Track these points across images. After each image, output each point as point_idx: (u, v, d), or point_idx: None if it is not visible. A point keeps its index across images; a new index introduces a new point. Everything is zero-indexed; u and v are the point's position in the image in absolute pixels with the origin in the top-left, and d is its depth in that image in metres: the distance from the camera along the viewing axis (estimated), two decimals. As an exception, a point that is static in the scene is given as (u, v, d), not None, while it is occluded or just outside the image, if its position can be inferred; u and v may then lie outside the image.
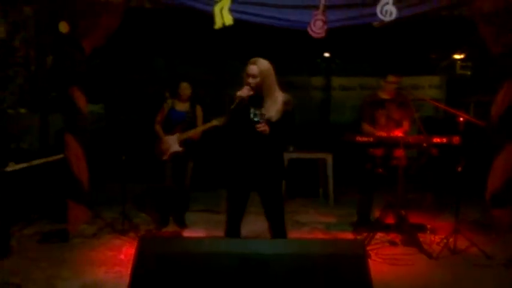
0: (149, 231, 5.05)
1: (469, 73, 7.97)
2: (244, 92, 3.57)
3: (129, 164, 5.03)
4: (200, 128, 5.08)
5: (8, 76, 5.99)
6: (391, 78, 4.93)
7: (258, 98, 3.64)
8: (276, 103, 3.65)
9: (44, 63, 6.33)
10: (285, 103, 3.67)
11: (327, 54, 8.48)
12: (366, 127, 5.00)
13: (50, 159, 5.04)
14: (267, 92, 3.64)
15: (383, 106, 4.99)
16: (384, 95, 5.02)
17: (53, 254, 4.33)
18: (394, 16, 4.44)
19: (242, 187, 3.75)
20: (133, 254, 2.84)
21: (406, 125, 4.96)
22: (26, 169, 4.60)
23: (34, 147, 5.81)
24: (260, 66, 3.60)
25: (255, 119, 3.56)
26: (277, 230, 3.82)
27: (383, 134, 4.81)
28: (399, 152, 4.63)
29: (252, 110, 3.61)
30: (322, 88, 8.82)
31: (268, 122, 3.59)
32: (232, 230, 3.79)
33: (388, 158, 4.79)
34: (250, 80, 3.59)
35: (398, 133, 4.80)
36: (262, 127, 3.52)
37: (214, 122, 4.94)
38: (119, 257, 4.32)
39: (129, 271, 2.66)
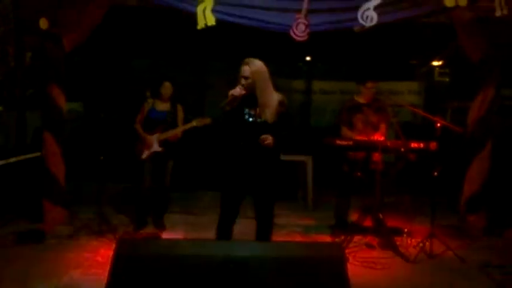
0: (127, 232, 4.99)
1: (447, 80, 8.13)
2: (236, 91, 3.59)
3: (107, 164, 4.97)
4: (180, 129, 5.06)
5: (-15, 72, 5.87)
6: (370, 84, 5.01)
7: (253, 98, 3.65)
8: (270, 104, 3.66)
9: (22, 59, 6.21)
10: (280, 104, 3.70)
11: (308, 58, 8.53)
12: (345, 131, 5.05)
13: (27, 156, 4.94)
14: (260, 92, 3.65)
15: (360, 111, 5.06)
16: (362, 100, 5.09)
17: (29, 255, 4.26)
18: (374, 21, 4.49)
19: (238, 189, 3.75)
20: (110, 256, 2.81)
21: (383, 128, 5.04)
22: (2, 167, 4.50)
23: (11, 144, 5.71)
24: (252, 67, 3.63)
25: (250, 119, 3.64)
26: (265, 233, 3.85)
27: (362, 137, 4.87)
28: (377, 156, 4.70)
29: (246, 111, 3.67)
30: (303, 91, 8.87)
31: (265, 123, 3.64)
32: (224, 232, 3.79)
33: (366, 162, 4.85)
34: (243, 81, 3.62)
35: (377, 137, 4.86)
36: (267, 140, 3.57)
37: (194, 123, 4.94)
38: (95, 258, 4.26)
39: (106, 273, 2.63)
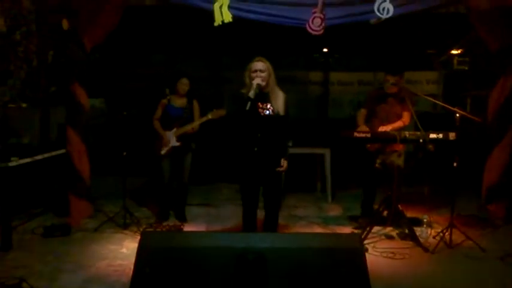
0: (150, 225, 5.11)
1: (466, 68, 8.00)
2: (259, 80, 3.84)
3: (129, 158, 5.07)
4: (197, 122, 5.13)
5: (9, 70, 6.02)
6: (388, 77, 5.03)
7: (263, 93, 3.91)
8: (279, 98, 3.97)
9: (45, 57, 6.36)
10: (286, 101, 4.00)
11: (325, 50, 8.49)
12: (360, 113, 5.20)
13: (52, 154, 5.08)
14: (273, 87, 3.96)
15: (385, 101, 5.08)
16: (387, 90, 5.09)
17: (56, 248, 4.38)
18: (391, 13, 4.49)
19: (255, 179, 4.00)
20: (134, 248, 2.91)
21: (406, 116, 5.05)
22: (29, 164, 4.64)
23: (35, 141, 5.85)
24: (266, 62, 3.92)
25: (266, 113, 3.90)
26: (272, 220, 4.11)
27: (381, 127, 4.91)
28: (396, 146, 4.77)
29: (260, 105, 3.90)
30: (321, 83, 8.84)
31: (278, 116, 3.93)
32: (249, 222, 4.08)
33: (383, 152, 4.92)
34: (259, 74, 3.86)
35: (384, 129, 4.91)
36: (284, 167, 3.96)
37: (210, 116, 5.00)
38: (120, 250, 4.37)
39: (131, 265, 2.71)
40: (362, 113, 5.19)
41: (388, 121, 5.01)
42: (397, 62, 7.46)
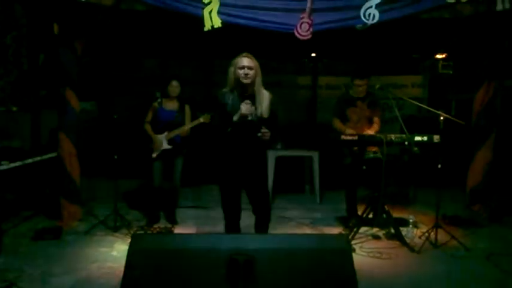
0: (141, 227, 5.14)
1: (450, 72, 8.17)
2: (248, 109, 3.58)
3: (120, 161, 5.11)
4: (188, 126, 5.18)
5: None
6: (356, 81, 5.15)
7: (248, 96, 3.67)
8: (264, 99, 3.70)
9: (36, 61, 6.37)
10: (272, 102, 3.74)
11: (313, 54, 8.59)
12: (336, 122, 5.26)
13: (43, 157, 5.10)
14: (258, 87, 3.68)
15: (354, 104, 5.21)
16: (355, 94, 5.23)
17: (46, 251, 4.40)
18: (376, 19, 4.59)
19: (234, 183, 3.79)
20: (125, 251, 2.94)
21: (377, 121, 5.18)
22: (20, 167, 4.67)
23: (26, 145, 5.86)
24: (253, 59, 3.65)
25: (249, 118, 3.62)
26: (263, 224, 3.92)
27: (354, 130, 5.02)
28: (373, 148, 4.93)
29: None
30: (309, 87, 8.94)
31: (261, 118, 3.66)
32: (232, 225, 3.88)
33: (363, 152, 5.05)
34: (246, 71, 3.59)
35: (369, 132, 5.03)
36: (266, 135, 3.58)
37: (201, 119, 5.05)
38: (111, 253, 4.40)
39: (121, 267, 2.73)
40: (337, 121, 5.26)
41: (361, 124, 5.15)
42: (364, 66, 7.64)
